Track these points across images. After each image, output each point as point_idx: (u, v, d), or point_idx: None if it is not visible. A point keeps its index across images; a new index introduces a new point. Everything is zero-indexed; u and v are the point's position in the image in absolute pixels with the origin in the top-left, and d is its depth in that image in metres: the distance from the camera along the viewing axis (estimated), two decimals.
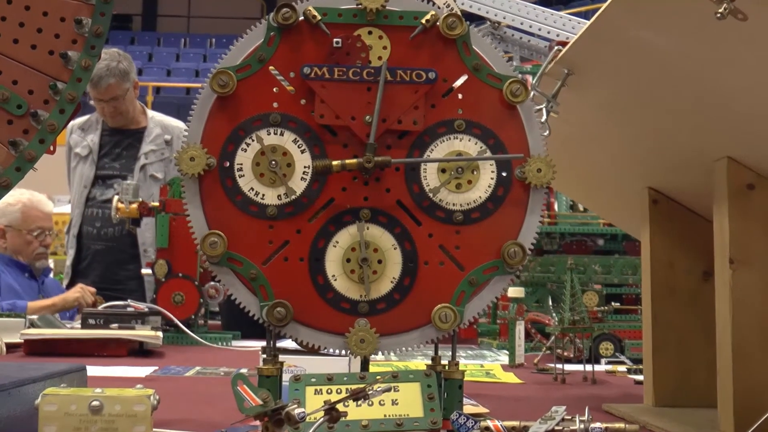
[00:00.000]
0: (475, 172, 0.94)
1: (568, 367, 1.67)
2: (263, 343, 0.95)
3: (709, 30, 0.83)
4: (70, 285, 3.03)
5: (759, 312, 0.98)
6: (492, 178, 0.94)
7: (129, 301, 2.15)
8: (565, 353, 1.76)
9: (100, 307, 2.14)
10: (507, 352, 1.91)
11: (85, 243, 3.02)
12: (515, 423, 0.88)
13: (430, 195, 0.94)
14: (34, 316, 2.03)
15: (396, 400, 0.88)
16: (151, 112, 3.12)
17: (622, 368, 1.79)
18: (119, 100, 2.96)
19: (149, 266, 2.35)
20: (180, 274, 2.24)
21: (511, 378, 1.64)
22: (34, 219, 2.98)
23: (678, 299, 1.24)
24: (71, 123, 3.12)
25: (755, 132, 0.97)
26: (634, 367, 1.75)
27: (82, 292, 2.76)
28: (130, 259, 2.94)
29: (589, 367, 1.62)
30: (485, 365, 1.84)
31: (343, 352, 0.93)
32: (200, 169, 0.91)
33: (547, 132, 1.00)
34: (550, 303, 2.30)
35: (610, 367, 1.80)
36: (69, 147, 3.09)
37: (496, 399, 1.35)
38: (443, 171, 0.94)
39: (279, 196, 0.93)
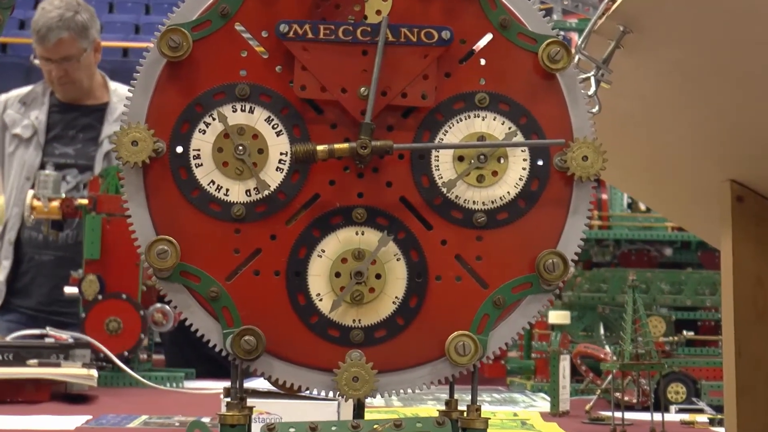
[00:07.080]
0: (502, 161, 0.96)
1: (630, 415, 1.67)
2: (226, 384, 0.96)
3: None
4: (3, 307, 3.02)
5: None
6: (524, 168, 0.96)
7: (48, 329, 2.15)
8: (626, 398, 1.76)
9: (8, 338, 2.14)
10: (545, 396, 1.92)
11: (27, 252, 3.02)
12: None
13: (444, 190, 0.95)
14: None
15: None
16: (113, 84, 3.13)
17: (702, 418, 1.78)
18: (72, 63, 2.96)
19: (75, 283, 2.35)
20: (118, 294, 2.25)
21: (554, 430, 1.65)
22: None
23: None
24: (4, 96, 3.13)
25: None
26: (719, 416, 1.73)
27: None
28: None
29: (657, 416, 1.62)
30: (519, 413, 1.85)
31: (331, 393, 0.94)
32: (145, 157, 0.92)
33: (597, 108, 1.01)
34: (602, 331, 2.31)
35: (686, 417, 1.80)
36: (2, 126, 3.08)
37: None
38: (461, 159, 0.95)
39: (248, 192, 0.94)
